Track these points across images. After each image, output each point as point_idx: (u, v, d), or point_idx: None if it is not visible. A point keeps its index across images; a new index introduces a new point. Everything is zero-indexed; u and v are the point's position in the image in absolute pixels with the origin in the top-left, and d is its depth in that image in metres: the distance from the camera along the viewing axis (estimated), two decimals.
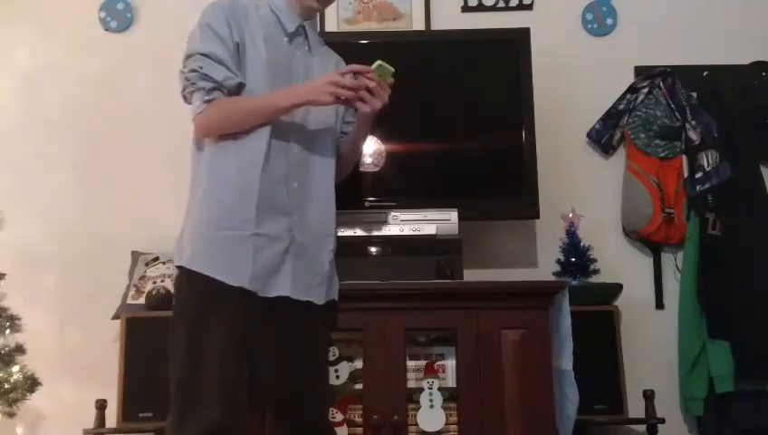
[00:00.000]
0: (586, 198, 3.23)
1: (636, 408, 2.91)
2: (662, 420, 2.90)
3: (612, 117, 3.31)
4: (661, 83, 3.28)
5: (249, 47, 1.99)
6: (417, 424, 2.64)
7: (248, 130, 1.94)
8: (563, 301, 2.70)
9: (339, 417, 2.62)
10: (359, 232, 2.81)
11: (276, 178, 1.95)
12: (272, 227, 1.92)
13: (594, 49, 3.40)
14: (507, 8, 3.42)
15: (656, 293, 3.25)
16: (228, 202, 1.91)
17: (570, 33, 3.41)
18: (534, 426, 2.60)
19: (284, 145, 1.98)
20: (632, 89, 3.32)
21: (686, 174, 3.24)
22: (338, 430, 2.43)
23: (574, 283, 2.96)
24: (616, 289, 3.03)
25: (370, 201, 2.94)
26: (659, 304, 3.24)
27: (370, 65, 1.97)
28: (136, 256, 3.15)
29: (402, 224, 2.83)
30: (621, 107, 3.31)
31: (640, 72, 3.34)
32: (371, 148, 2.93)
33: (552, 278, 3.05)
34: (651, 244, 3.26)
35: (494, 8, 3.42)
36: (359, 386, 2.67)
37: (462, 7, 3.42)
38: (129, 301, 3.02)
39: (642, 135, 3.26)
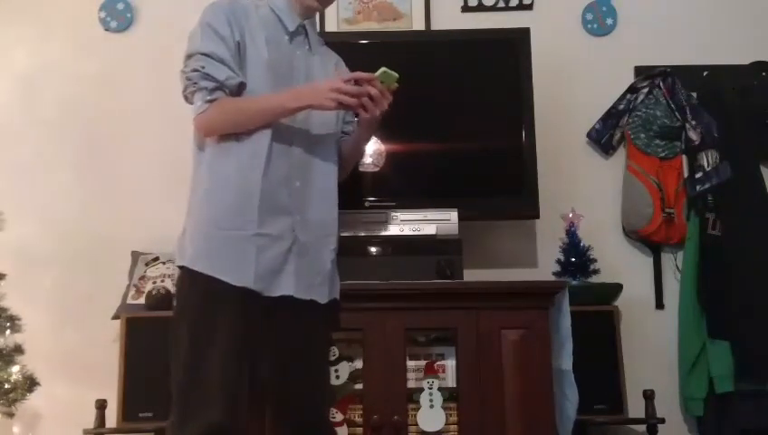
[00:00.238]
0: (586, 198, 3.23)
1: (636, 408, 2.91)
2: (662, 420, 2.90)
3: (612, 117, 3.31)
4: (661, 83, 3.28)
5: (250, 47, 1.99)
6: (417, 424, 2.64)
7: (250, 131, 1.94)
8: (563, 301, 2.70)
9: (339, 417, 2.62)
10: (359, 232, 2.81)
11: (278, 179, 1.95)
12: (274, 227, 1.92)
13: (594, 49, 3.40)
14: (507, 8, 3.42)
15: (656, 293, 3.25)
16: (230, 202, 1.91)
17: (570, 33, 3.41)
18: (534, 426, 2.60)
19: (286, 145, 1.98)
20: (632, 89, 3.32)
21: (686, 174, 3.25)
22: (338, 429, 2.43)
23: (574, 283, 2.96)
24: (616, 289, 3.04)
25: (370, 201, 2.94)
26: (659, 304, 3.24)
27: (368, 64, 1.97)
28: (136, 256, 3.15)
29: (402, 224, 2.83)
30: (621, 107, 3.31)
31: (640, 72, 3.34)
32: (371, 148, 2.93)
33: (552, 278, 3.05)
34: (651, 244, 3.26)
35: (494, 8, 3.42)
36: (359, 386, 2.67)
37: (462, 7, 3.42)
38: (129, 301, 3.02)
39: (642, 135, 3.26)
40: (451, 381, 2.71)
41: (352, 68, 2.15)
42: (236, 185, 1.92)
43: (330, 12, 3.31)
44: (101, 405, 2.86)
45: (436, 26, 3.37)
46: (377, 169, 2.97)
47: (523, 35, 3.09)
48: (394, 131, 2.92)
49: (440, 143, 3.05)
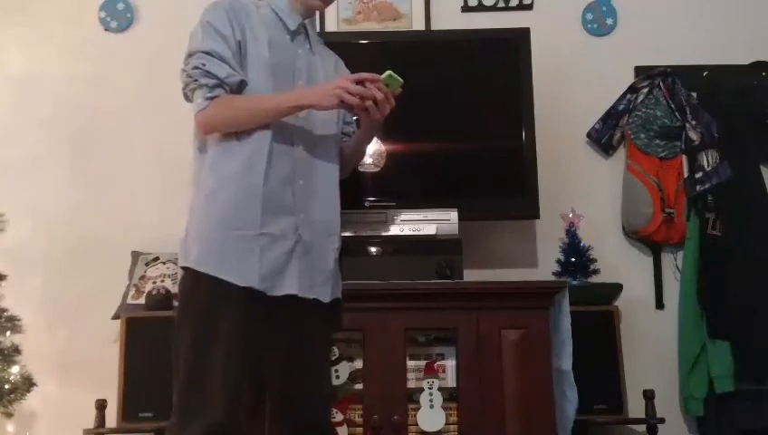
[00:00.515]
0: (586, 198, 3.23)
1: (636, 408, 2.91)
2: (662, 420, 2.90)
3: (612, 117, 3.31)
4: (661, 83, 3.28)
5: (251, 46, 1.99)
6: (417, 424, 2.64)
7: (251, 131, 1.94)
8: (563, 301, 2.70)
9: (339, 417, 2.62)
10: (359, 232, 2.81)
11: (281, 178, 1.95)
12: (277, 227, 1.92)
13: (594, 49, 3.40)
14: (507, 8, 3.42)
15: (656, 293, 3.25)
16: (234, 203, 1.91)
17: (570, 34, 3.41)
18: (534, 426, 2.60)
19: (288, 144, 1.98)
20: (632, 89, 3.32)
21: (686, 174, 3.25)
22: (338, 429, 2.43)
23: (574, 283, 2.96)
24: (616, 289, 3.03)
25: (370, 201, 2.94)
26: (659, 304, 3.24)
27: (368, 64, 1.97)
28: (136, 256, 3.15)
29: (402, 224, 2.83)
30: (621, 107, 3.31)
31: (640, 72, 3.34)
32: (372, 148, 2.93)
33: (552, 278, 3.05)
34: (651, 244, 3.26)
35: (494, 8, 3.42)
36: (359, 386, 2.67)
37: (462, 7, 3.42)
38: (129, 301, 3.02)
39: (642, 135, 3.26)
40: (451, 381, 2.71)
41: (352, 68, 2.15)
42: (239, 185, 1.92)
43: (330, 12, 3.31)
44: (101, 405, 2.86)
45: (436, 26, 3.37)
46: (377, 169, 2.97)
47: (523, 35, 3.09)
48: (394, 131, 2.92)
49: (440, 143, 3.05)
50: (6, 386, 2.74)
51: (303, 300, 1.94)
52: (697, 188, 3.17)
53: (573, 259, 3.04)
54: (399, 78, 1.96)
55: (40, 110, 3.34)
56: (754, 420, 2.91)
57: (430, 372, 2.71)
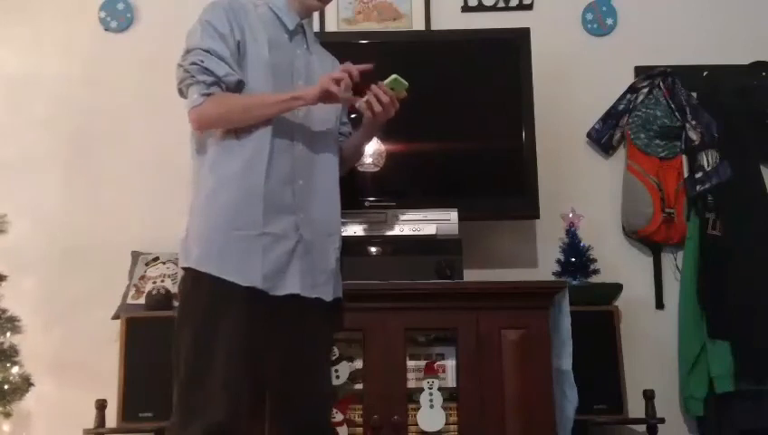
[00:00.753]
0: (586, 198, 3.23)
1: (636, 408, 2.91)
2: (662, 420, 2.89)
3: (612, 117, 3.31)
4: (661, 83, 3.28)
5: (250, 46, 1.99)
6: (417, 424, 2.64)
7: (251, 131, 1.94)
8: (563, 301, 2.70)
9: (339, 417, 2.62)
10: (359, 232, 2.81)
11: (281, 177, 1.95)
12: (279, 226, 1.92)
13: (594, 49, 3.40)
14: (507, 8, 3.42)
15: (656, 293, 3.25)
16: (235, 203, 1.91)
17: (570, 34, 3.41)
18: (534, 426, 2.60)
19: (288, 144, 1.98)
20: (632, 89, 3.32)
21: (686, 174, 3.25)
22: (338, 429, 2.43)
23: (574, 283, 2.96)
24: (616, 289, 3.03)
25: (370, 201, 2.94)
26: (659, 304, 3.24)
27: (365, 63, 1.96)
28: (136, 256, 3.15)
29: (402, 224, 2.83)
30: (621, 107, 3.31)
31: (640, 72, 3.34)
32: (371, 148, 2.94)
33: (552, 278, 3.04)
34: (651, 244, 3.26)
35: (494, 8, 3.42)
36: (359, 386, 2.67)
37: (462, 7, 3.42)
38: (129, 301, 3.02)
39: (642, 135, 3.26)
40: (451, 381, 2.71)
41: None
42: (240, 185, 1.92)
43: (330, 12, 3.31)
44: (101, 405, 2.86)
45: (436, 26, 3.37)
46: (377, 169, 2.97)
47: (523, 35, 3.09)
48: (394, 131, 2.91)
49: (440, 143, 3.05)
50: (6, 386, 2.74)
51: (305, 299, 1.94)
52: (697, 188, 3.17)
53: (573, 259, 3.04)
54: (405, 81, 1.96)
55: (40, 109, 3.33)
56: (754, 420, 2.91)
57: (430, 372, 2.71)
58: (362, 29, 3.37)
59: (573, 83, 3.35)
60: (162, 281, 3.03)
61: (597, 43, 3.41)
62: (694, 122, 3.23)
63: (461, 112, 3.07)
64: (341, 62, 2.23)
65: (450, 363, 2.73)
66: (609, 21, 3.42)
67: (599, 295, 3.00)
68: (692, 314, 3.07)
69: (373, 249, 2.83)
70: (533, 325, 2.65)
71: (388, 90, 1.96)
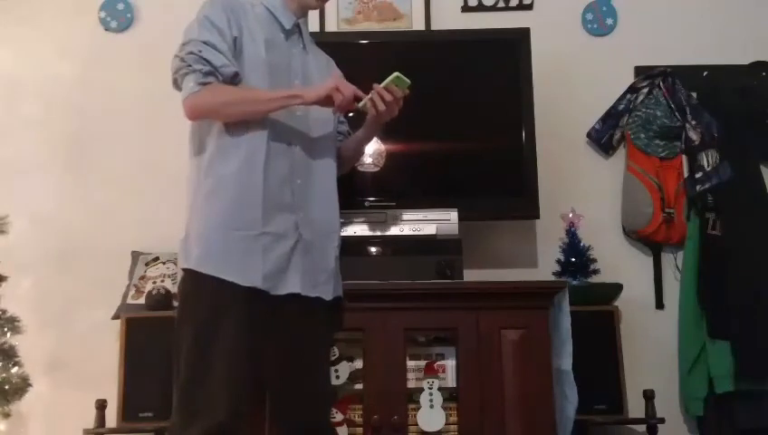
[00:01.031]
0: (586, 198, 3.23)
1: (636, 408, 2.91)
2: (662, 420, 2.90)
3: (612, 117, 3.31)
4: (661, 83, 3.28)
5: (248, 44, 1.99)
6: (417, 424, 2.64)
7: (246, 130, 1.93)
8: (563, 301, 2.70)
9: (339, 417, 2.62)
10: (359, 232, 2.81)
11: (279, 177, 1.95)
12: (278, 226, 1.92)
13: (594, 49, 3.40)
14: (507, 8, 3.42)
15: (656, 293, 3.25)
16: (234, 202, 1.90)
17: (570, 34, 3.41)
18: (534, 426, 2.60)
19: (286, 143, 1.98)
20: (632, 89, 3.32)
21: (686, 174, 3.25)
22: (338, 429, 2.43)
23: (574, 283, 2.96)
24: (616, 289, 3.03)
25: (370, 201, 2.94)
26: (659, 304, 3.24)
27: (369, 64, 1.98)
28: (136, 256, 3.15)
29: (402, 224, 2.83)
30: (621, 107, 3.31)
31: (640, 72, 3.34)
32: (371, 148, 2.93)
33: (552, 278, 3.05)
34: (651, 244, 3.26)
35: (494, 8, 3.42)
36: (359, 386, 2.67)
37: (462, 7, 3.42)
38: (129, 301, 3.02)
39: (642, 135, 3.26)
40: (451, 381, 2.71)
41: (353, 68, 2.16)
42: (239, 185, 1.91)
43: (330, 12, 3.31)
44: (101, 405, 2.86)
45: (436, 26, 3.37)
46: (377, 169, 2.97)
47: (523, 35, 3.10)
48: (394, 131, 2.91)
49: (440, 143, 3.05)
50: (7, 386, 2.74)
51: (305, 299, 1.94)
52: (697, 188, 3.17)
53: (573, 259, 3.05)
54: (407, 79, 1.97)
55: (40, 109, 3.33)
56: (754, 420, 2.91)
57: (430, 372, 2.71)
58: (362, 29, 3.37)
59: (573, 83, 3.35)
60: (162, 281, 3.03)
61: (597, 43, 3.41)
62: (694, 122, 3.23)
63: (461, 112, 3.07)
64: (339, 62, 2.25)
65: (450, 363, 2.73)
66: (609, 21, 3.42)
67: (599, 295, 3.01)
68: (692, 314, 3.07)
69: (373, 249, 2.83)
70: (533, 325, 2.65)
71: (393, 87, 1.97)
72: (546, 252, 3.20)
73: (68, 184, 3.29)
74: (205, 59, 1.92)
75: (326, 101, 1.96)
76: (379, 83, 1.98)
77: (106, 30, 3.39)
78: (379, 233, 2.82)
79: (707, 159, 3.17)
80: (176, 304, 2.10)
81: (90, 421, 2.85)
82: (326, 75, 2.11)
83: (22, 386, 2.77)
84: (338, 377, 2.64)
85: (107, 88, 3.34)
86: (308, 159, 2.02)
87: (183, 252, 1.94)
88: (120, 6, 3.39)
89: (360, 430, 2.62)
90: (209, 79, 1.93)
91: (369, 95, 1.98)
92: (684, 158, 3.26)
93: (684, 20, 3.42)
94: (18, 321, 2.83)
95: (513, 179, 3.03)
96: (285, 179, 1.96)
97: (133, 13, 3.40)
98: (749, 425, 2.92)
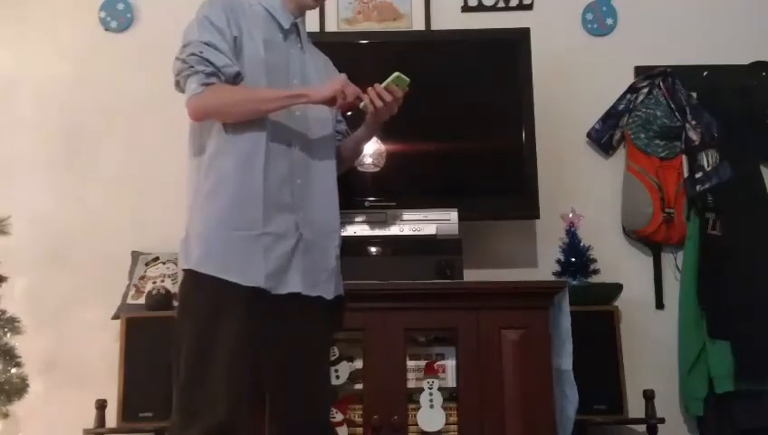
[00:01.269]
0: (586, 198, 3.23)
1: (636, 408, 2.91)
2: (662, 420, 2.90)
3: (612, 117, 3.31)
4: (661, 83, 3.28)
5: (247, 44, 1.99)
6: (417, 424, 2.64)
7: (245, 131, 1.93)
8: (563, 301, 2.70)
9: (339, 417, 2.62)
10: (359, 232, 2.81)
11: (279, 177, 1.95)
12: (279, 225, 1.92)
13: (594, 49, 3.40)
14: (507, 8, 3.42)
15: (656, 293, 3.25)
16: (234, 203, 1.90)
17: (570, 34, 3.41)
18: (534, 426, 2.60)
19: (285, 143, 1.98)
20: (632, 89, 3.32)
21: (686, 174, 3.25)
22: (338, 429, 2.43)
23: (574, 283, 2.96)
24: (616, 289, 3.03)
25: (370, 201, 2.94)
26: (659, 304, 3.24)
27: (369, 64, 1.98)
28: (136, 256, 3.15)
29: (402, 224, 2.83)
30: (621, 107, 3.31)
31: (640, 72, 3.34)
32: (371, 148, 2.94)
33: (552, 278, 3.05)
34: (651, 244, 3.26)
35: (494, 8, 3.42)
36: (359, 386, 2.67)
37: (462, 7, 3.42)
38: (129, 301, 3.02)
39: (642, 135, 3.26)
40: (451, 381, 2.71)
41: (352, 68, 2.15)
42: (240, 185, 1.91)
43: (330, 12, 3.31)
44: (101, 405, 2.86)
45: (436, 26, 3.37)
46: (377, 169, 2.97)
47: (523, 35, 3.10)
48: (394, 131, 2.91)
49: (440, 143, 3.06)
50: (7, 387, 2.74)
51: (305, 298, 1.94)
52: (697, 188, 3.17)
53: (573, 259, 3.05)
54: (407, 78, 1.98)
55: (40, 109, 3.33)
56: (754, 420, 2.91)
57: (430, 372, 2.71)
58: (362, 29, 3.37)
59: (573, 83, 3.35)
60: (162, 281, 3.03)
61: (597, 43, 3.41)
62: (694, 122, 3.23)
63: (461, 112, 3.07)
64: (339, 62, 2.25)
65: (450, 363, 2.73)
66: (609, 21, 3.42)
67: (599, 295, 3.01)
68: (692, 314, 3.07)
69: (373, 249, 2.83)
70: (533, 325, 2.65)
71: (393, 87, 1.97)
72: (546, 252, 3.20)
73: (68, 184, 3.29)
74: (207, 60, 1.92)
75: (330, 101, 1.97)
76: (380, 83, 1.99)
77: (106, 30, 3.39)
78: (379, 233, 2.82)
79: (707, 159, 3.17)
80: (176, 304, 2.09)
81: (90, 421, 2.85)
82: (324, 75, 2.12)
83: (21, 386, 2.77)
84: (338, 377, 2.64)
85: (107, 88, 3.34)
86: (307, 158, 2.02)
87: (183, 252, 1.93)
88: (120, 6, 3.39)
89: (359, 430, 2.62)
90: (212, 80, 1.93)
91: (369, 95, 1.99)
92: (684, 158, 3.26)
93: (684, 20, 3.42)
94: (18, 321, 2.83)
95: (513, 179, 3.03)
96: (285, 179, 1.96)
97: (133, 13, 3.40)
98: (749, 425, 2.92)
